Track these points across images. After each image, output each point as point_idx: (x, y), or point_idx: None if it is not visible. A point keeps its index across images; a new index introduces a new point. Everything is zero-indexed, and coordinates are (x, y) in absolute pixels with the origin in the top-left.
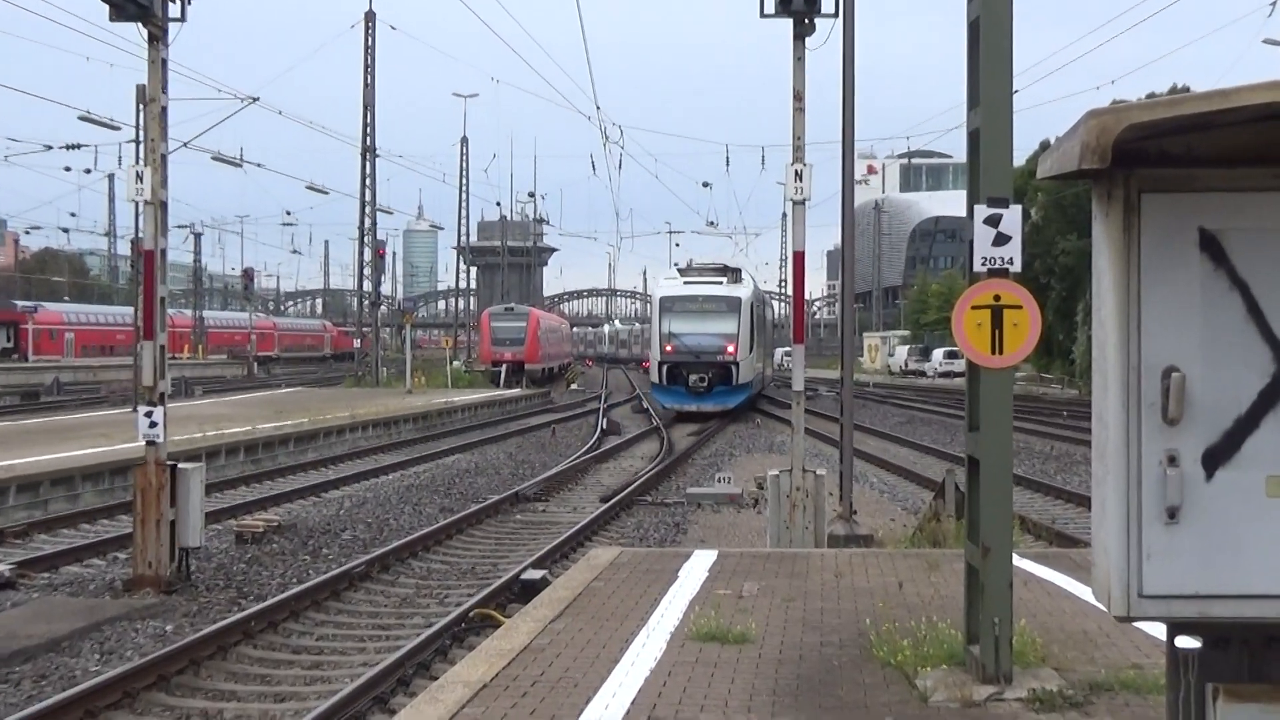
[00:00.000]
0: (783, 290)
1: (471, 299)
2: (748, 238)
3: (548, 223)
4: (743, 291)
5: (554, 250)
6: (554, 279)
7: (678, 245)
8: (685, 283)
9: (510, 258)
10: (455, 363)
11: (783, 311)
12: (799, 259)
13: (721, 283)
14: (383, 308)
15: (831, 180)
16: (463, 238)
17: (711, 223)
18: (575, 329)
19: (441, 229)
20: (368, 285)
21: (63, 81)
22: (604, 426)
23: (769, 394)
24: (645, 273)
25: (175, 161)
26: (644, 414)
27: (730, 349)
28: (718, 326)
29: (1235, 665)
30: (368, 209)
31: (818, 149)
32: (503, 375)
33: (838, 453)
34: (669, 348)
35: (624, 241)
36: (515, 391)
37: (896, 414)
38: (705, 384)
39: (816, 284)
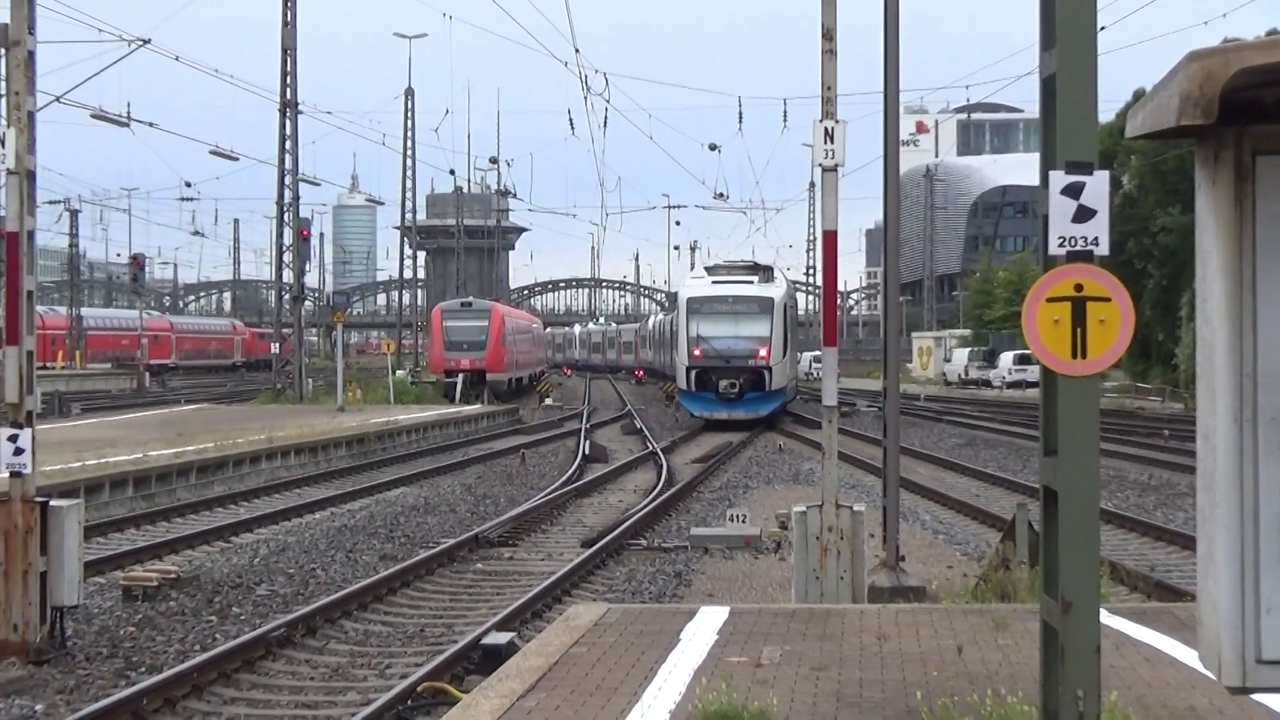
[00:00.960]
0: (810, 279)
1: (420, 292)
2: (765, 214)
3: (514, 195)
4: (775, 291)
5: (523, 230)
6: (523, 267)
7: (678, 223)
8: (714, 282)
9: (468, 240)
10: (399, 372)
11: (810, 306)
12: (830, 240)
13: (752, 282)
14: (308, 303)
15: (871, 141)
16: (408, 215)
17: (721, 195)
18: (550, 330)
19: (381, 204)
20: (289, 276)
21: None
22: (586, 451)
23: (793, 409)
24: (638, 258)
25: (45, 120)
26: (636, 435)
27: (763, 353)
28: (749, 329)
29: None
30: (288, 180)
31: (854, 102)
32: (459, 388)
33: (880, 483)
34: (697, 351)
35: (611, 219)
36: (475, 408)
37: (954, 434)
38: (736, 390)
39: (853, 272)
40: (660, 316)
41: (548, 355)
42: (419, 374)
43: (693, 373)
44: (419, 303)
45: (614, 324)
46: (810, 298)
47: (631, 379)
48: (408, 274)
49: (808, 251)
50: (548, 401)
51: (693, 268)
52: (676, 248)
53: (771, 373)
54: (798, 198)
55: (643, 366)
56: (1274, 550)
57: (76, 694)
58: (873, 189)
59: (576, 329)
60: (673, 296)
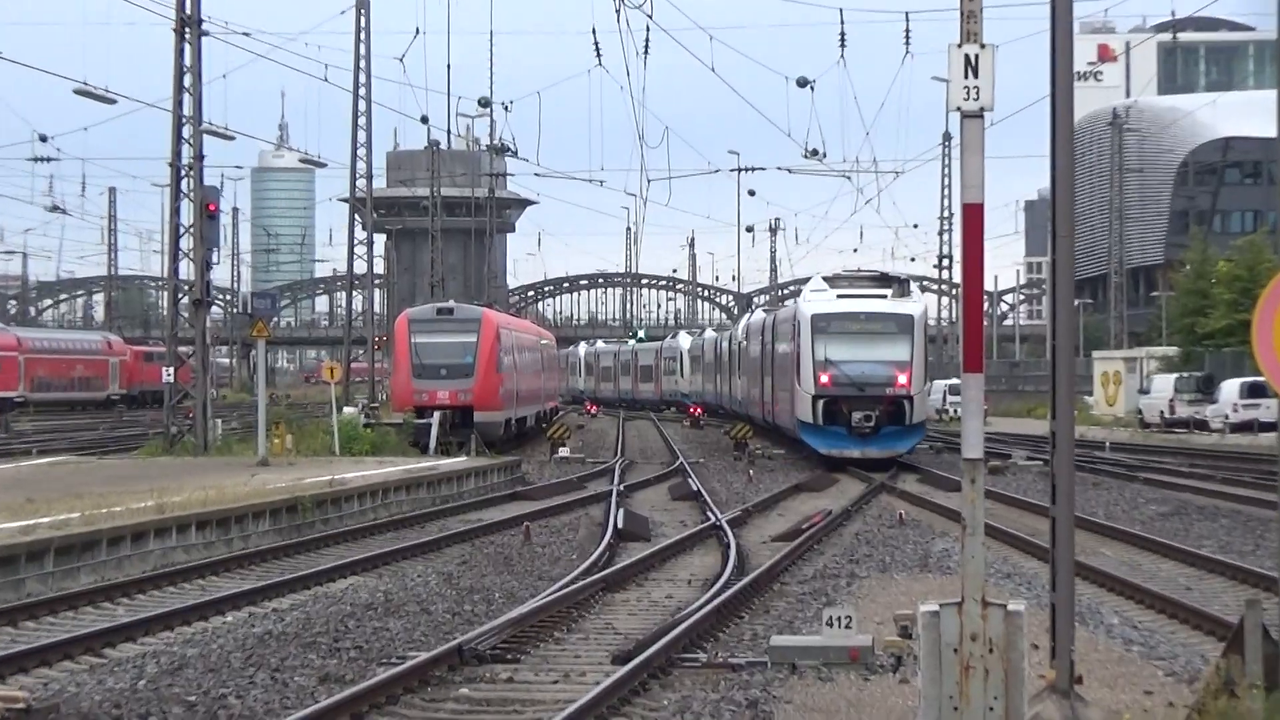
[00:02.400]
0: (943, 275)
1: (379, 294)
2: (879, 180)
3: (514, 154)
4: (914, 308)
5: (527, 204)
6: (527, 257)
7: (752, 194)
8: (839, 296)
9: (448, 219)
10: (348, 410)
11: (944, 314)
12: (973, 218)
13: (885, 295)
14: (216, 310)
15: (1034, 75)
16: (361, 182)
17: (814, 153)
18: (569, 350)
19: (322, 165)
20: (188, 270)
21: None
22: (620, 524)
23: (918, 460)
24: (692, 244)
25: None
26: (691, 501)
27: (902, 380)
28: (886, 352)
29: None
30: (188, 131)
31: (1006, 18)
32: (434, 433)
33: (1046, 571)
34: (825, 378)
35: (655, 188)
36: (458, 462)
37: (1153, 499)
38: (872, 424)
39: (1006, 264)
40: (736, 330)
41: (564, 384)
42: (376, 412)
43: (819, 403)
44: (378, 309)
45: (661, 340)
46: (943, 304)
47: (689, 416)
48: (361, 267)
49: (941, 234)
50: (563, 452)
51: (773, 260)
52: (750, 229)
53: (912, 403)
54: (925, 156)
55: (700, 401)
56: None
57: None
58: (1035, 144)
59: (602, 347)
60: (744, 300)
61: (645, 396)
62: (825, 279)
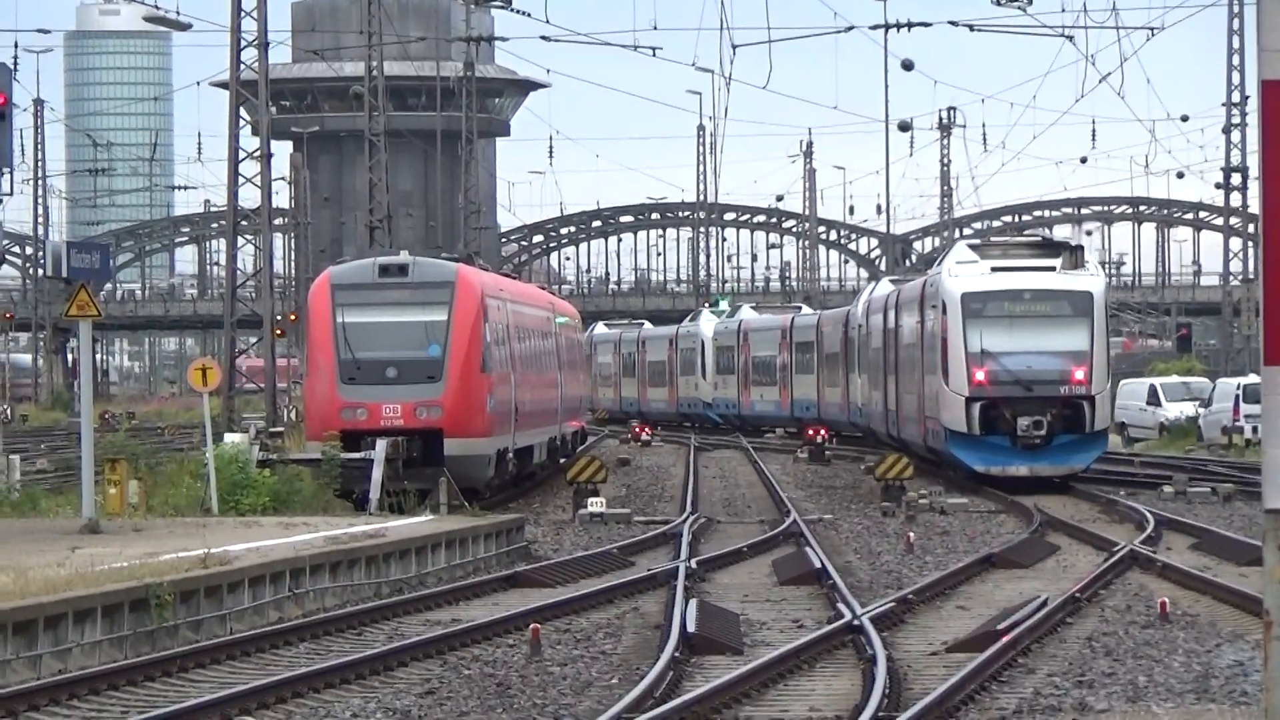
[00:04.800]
0: (1231, 198)
1: (279, 243)
2: (1121, 40)
3: (509, 3)
4: (1093, 283)
5: (532, 89)
6: (530, 180)
7: (909, 66)
8: (994, 270)
9: (397, 114)
10: (232, 437)
11: (1234, 264)
12: (1277, 97)
13: (1054, 268)
14: (5, 271)
15: None
16: (246, 53)
17: None
18: (609, 330)
19: (185, 27)
20: None
21: None
22: (690, 627)
23: (1174, 512)
24: (808, 151)
25: None
26: (809, 583)
27: (1080, 375)
28: (1059, 340)
29: None
30: None
31: None
32: (376, 475)
33: None
34: (981, 375)
35: (744, 56)
36: (418, 524)
37: None
38: (1043, 432)
39: None
40: (855, 308)
41: (594, 389)
42: (280, 442)
43: (975, 406)
44: (280, 268)
45: (755, 313)
46: (1234, 247)
47: (801, 447)
48: (251, 199)
49: (1227, 132)
50: (595, 505)
51: (944, 178)
52: (906, 127)
53: (1093, 405)
54: (1198, 1)
55: (821, 420)
56: None
57: None
58: None
59: (600, 333)
60: (898, 246)
61: (657, 408)
62: (972, 246)
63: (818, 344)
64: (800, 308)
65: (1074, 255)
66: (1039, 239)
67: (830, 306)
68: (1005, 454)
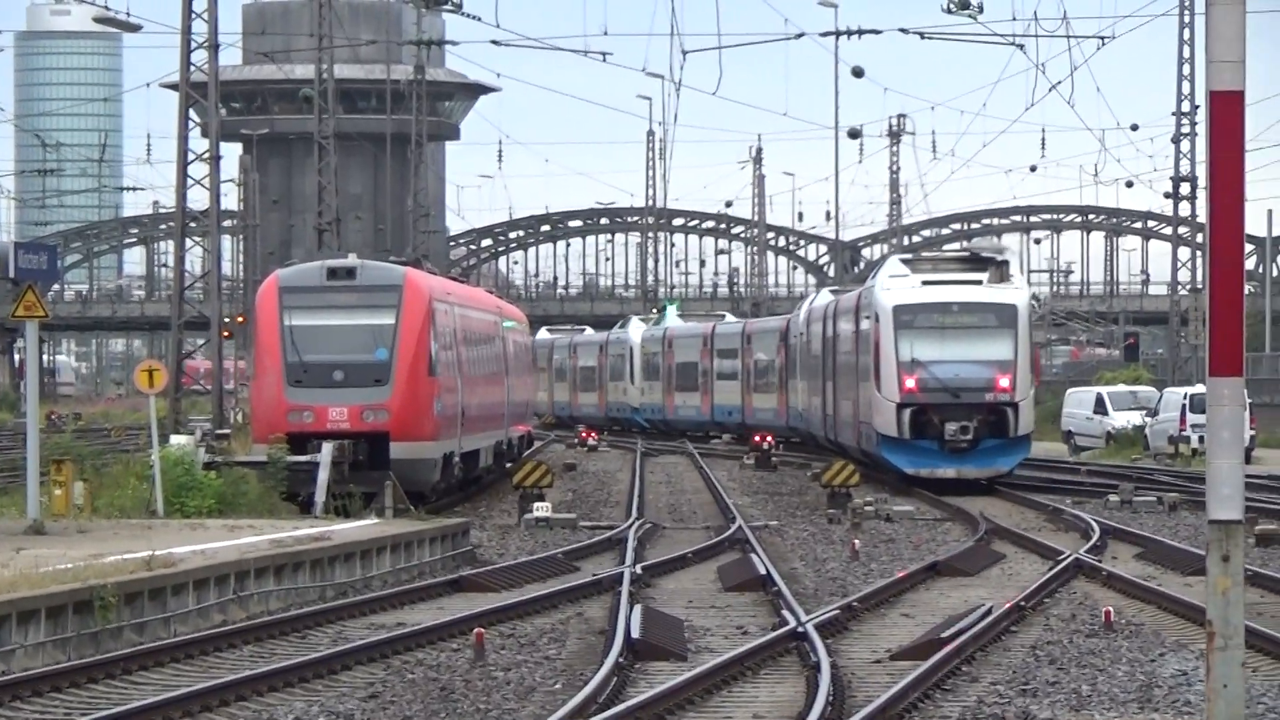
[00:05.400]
0: (1179, 207)
1: (227, 245)
2: (1072, 49)
3: (459, 7)
4: (1017, 295)
5: (482, 93)
6: (479, 184)
7: (859, 74)
8: (924, 283)
9: (347, 116)
10: (178, 439)
11: (1183, 275)
12: (1228, 113)
13: (980, 281)
14: None
15: None
16: (196, 54)
17: (963, 3)
18: (547, 336)
19: (135, 28)
20: None
21: None
22: (634, 633)
23: (1120, 521)
24: (757, 158)
25: None
26: (754, 589)
27: (1004, 383)
28: (985, 349)
29: None
30: None
31: None
32: (322, 478)
33: None
34: (911, 382)
35: (694, 62)
36: (364, 528)
37: None
38: (970, 436)
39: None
40: (796, 317)
41: (541, 394)
42: (227, 444)
43: (905, 412)
44: (229, 270)
45: (681, 321)
46: (1182, 257)
47: (748, 453)
48: (200, 200)
49: (1176, 142)
50: (541, 510)
51: (894, 185)
52: (856, 134)
53: (1018, 411)
54: (1149, 11)
55: (747, 425)
56: None
57: None
58: None
59: (542, 338)
60: (846, 251)
61: (587, 412)
62: (904, 261)
63: (743, 351)
64: (724, 316)
65: (1000, 269)
66: (967, 254)
67: (778, 312)
68: (934, 457)
